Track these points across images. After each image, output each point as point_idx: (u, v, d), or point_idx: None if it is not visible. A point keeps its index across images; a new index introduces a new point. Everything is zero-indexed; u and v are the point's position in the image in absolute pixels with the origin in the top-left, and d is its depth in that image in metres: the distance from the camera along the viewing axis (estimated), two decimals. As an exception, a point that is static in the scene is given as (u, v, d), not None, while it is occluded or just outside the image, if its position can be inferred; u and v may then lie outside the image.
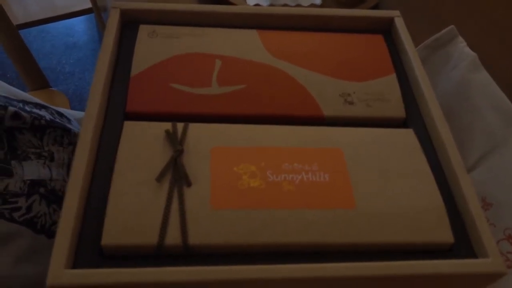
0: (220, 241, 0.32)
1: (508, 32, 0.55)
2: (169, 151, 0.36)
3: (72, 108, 1.26)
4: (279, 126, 0.39)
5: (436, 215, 0.35)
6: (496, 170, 0.47)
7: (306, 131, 0.39)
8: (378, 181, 0.36)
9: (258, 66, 0.44)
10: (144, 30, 0.45)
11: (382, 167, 0.37)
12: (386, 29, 0.50)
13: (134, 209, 0.33)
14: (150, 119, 0.38)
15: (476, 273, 0.32)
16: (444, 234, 0.34)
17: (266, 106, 0.41)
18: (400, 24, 0.48)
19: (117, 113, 0.40)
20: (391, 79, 0.44)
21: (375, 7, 0.72)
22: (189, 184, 0.34)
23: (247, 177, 0.35)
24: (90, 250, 0.32)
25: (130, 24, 0.47)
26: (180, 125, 0.38)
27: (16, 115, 0.50)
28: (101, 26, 1.41)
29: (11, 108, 0.50)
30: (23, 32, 1.15)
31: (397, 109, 0.42)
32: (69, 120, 0.60)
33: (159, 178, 0.34)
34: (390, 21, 0.49)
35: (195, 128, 0.38)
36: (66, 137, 0.57)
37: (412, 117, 0.43)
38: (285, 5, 0.70)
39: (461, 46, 0.55)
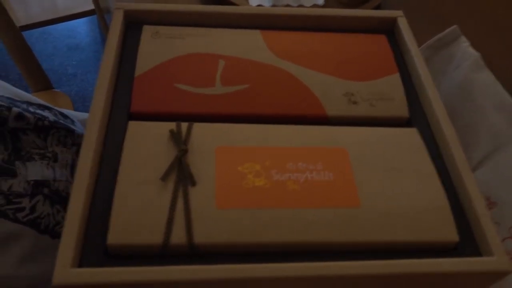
0: (225, 240, 0.32)
1: (509, 32, 0.55)
2: (173, 151, 0.36)
3: (75, 109, 1.27)
4: (283, 125, 0.39)
5: (441, 213, 0.35)
6: (500, 169, 0.47)
7: (310, 131, 0.39)
8: (383, 180, 0.36)
9: (262, 66, 0.44)
10: (147, 31, 0.46)
11: (387, 166, 0.37)
12: (389, 29, 0.50)
13: (139, 209, 0.33)
14: (154, 119, 0.38)
15: (481, 271, 0.32)
16: (449, 233, 0.34)
17: (270, 106, 0.41)
18: (403, 24, 0.48)
19: (121, 113, 0.40)
20: (395, 79, 0.44)
21: (377, 7, 0.72)
22: (193, 184, 0.34)
23: (252, 177, 0.35)
24: (95, 249, 0.32)
25: (133, 24, 0.47)
26: (184, 125, 0.38)
27: (20, 116, 0.50)
28: (103, 27, 1.41)
29: (15, 109, 0.50)
30: (25, 34, 1.15)
31: (400, 109, 0.42)
32: (72, 121, 0.60)
33: (164, 178, 0.34)
34: (393, 21, 0.49)
35: (199, 128, 0.38)
36: (70, 138, 0.57)
37: (416, 117, 0.43)
38: (288, 5, 0.70)
39: (464, 46, 0.55)
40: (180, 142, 0.36)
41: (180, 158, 0.35)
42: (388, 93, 0.43)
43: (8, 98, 0.54)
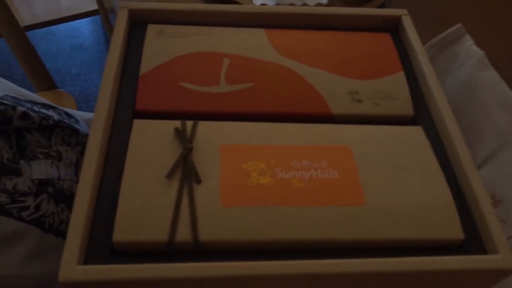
0: (230, 237, 0.32)
1: (510, 31, 0.55)
2: (178, 149, 0.36)
3: (79, 109, 1.27)
4: (288, 124, 0.39)
5: (446, 211, 0.35)
6: (505, 167, 0.47)
7: (315, 129, 0.39)
8: (388, 178, 0.36)
9: (266, 64, 0.44)
10: (152, 30, 0.46)
11: (391, 164, 0.37)
12: (393, 28, 0.50)
13: (145, 206, 0.33)
14: (159, 117, 0.38)
15: (487, 269, 0.32)
16: (454, 231, 0.34)
17: (274, 104, 0.41)
18: (407, 22, 0.48)
19: (126, 112, 0.40)
20: (399, 77, 0.44)
21: (381, 6, 0.72)
22: (198, 182, 0.34)
23: (257, 174, 0.35)
24: (101, 247, 0.32)
25: (138, 23, 0.47)
26: (189, 123, 0.38)
27: (24, 115, 0.51)
28: (107, 27, 1.41)
29: (19, 108, 0.50)
30: (29, 34, 1.16)
31: (405, 107, 0.42)
32: (77, 120, 0.61)
33: (169, 176, 0.34)
34: (398, 19, 0.49)
35: (204, 126, 0.38)
36: (74, 137, 0.57)
37: (420, 115, 0.42)
38: (292, 4, 0.70)
39: (468, 44, 0.55)
40: (185, 140, 0.37)
41: (185, 156, 0.35)
42: (393, 92, 0.43)
43: (12, 97, 0.54)
